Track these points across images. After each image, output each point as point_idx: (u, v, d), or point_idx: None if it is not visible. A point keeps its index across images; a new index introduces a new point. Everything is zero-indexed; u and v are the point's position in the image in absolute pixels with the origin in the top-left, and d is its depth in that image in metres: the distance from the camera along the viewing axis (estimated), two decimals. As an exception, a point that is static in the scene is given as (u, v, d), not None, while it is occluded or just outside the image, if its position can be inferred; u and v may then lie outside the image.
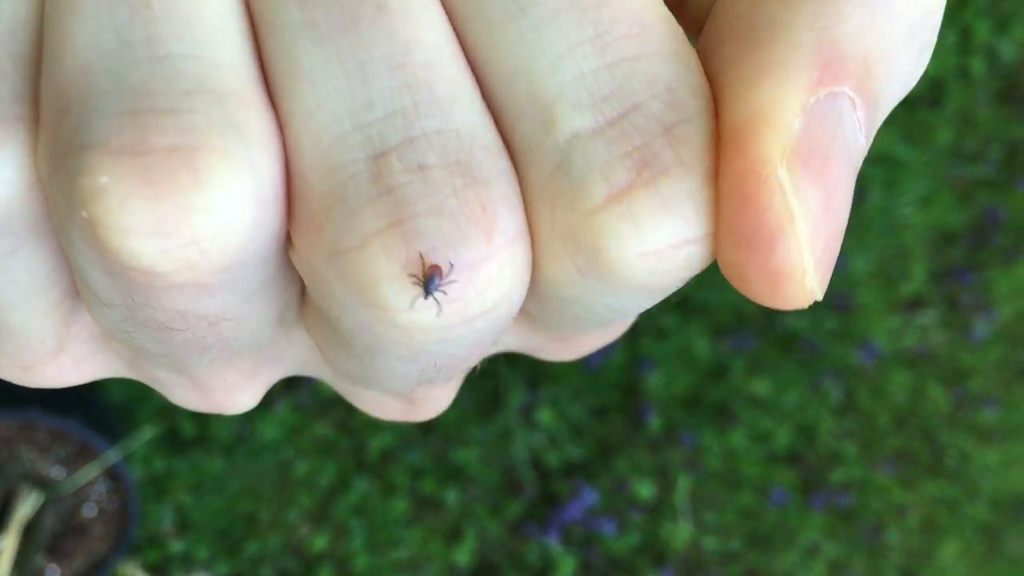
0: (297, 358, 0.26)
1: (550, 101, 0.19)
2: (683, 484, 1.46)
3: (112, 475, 1.16)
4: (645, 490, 1.45)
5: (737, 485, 1.48)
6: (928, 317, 1.49)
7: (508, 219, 0.19)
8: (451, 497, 1.40)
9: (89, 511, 1.17)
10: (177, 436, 1.34)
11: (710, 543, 1.47)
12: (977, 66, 1.45)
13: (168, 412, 1.34)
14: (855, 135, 0.19)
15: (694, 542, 1.47)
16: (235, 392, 0.26)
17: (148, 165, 0.17)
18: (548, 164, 0.19)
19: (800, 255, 0.18)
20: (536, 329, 0.25)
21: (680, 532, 1.46)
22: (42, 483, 1.14)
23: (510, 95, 0.20)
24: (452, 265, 0.19)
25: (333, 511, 1.39)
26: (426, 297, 0.19)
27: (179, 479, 1.35)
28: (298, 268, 0.20)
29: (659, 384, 1.44)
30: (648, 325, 1.43)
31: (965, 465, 1.52)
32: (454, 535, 1.41)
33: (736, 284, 0.19)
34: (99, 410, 1.24)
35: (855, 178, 0.20)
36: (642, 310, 0.22)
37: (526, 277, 0.20)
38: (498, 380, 1.39)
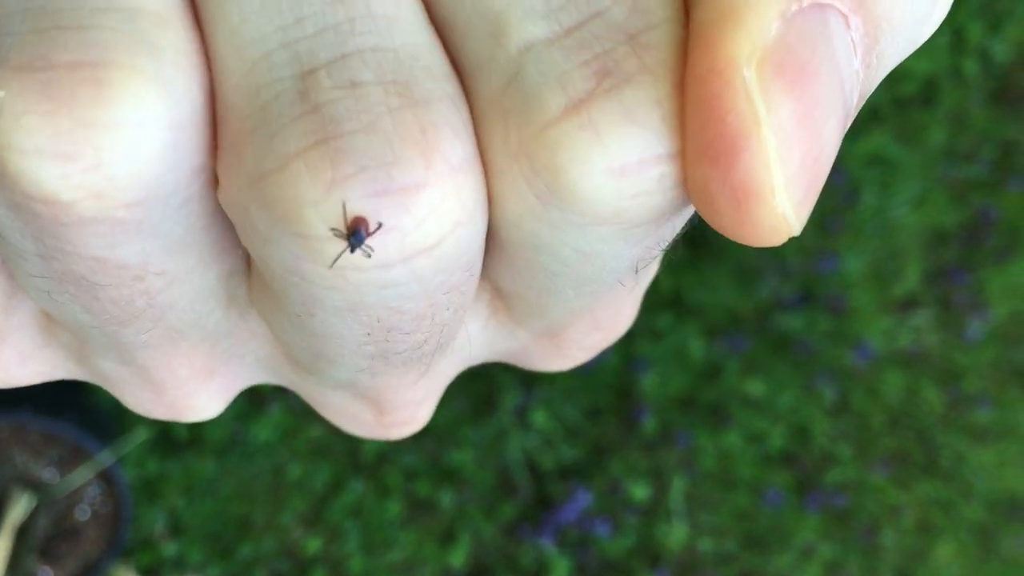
0: (259, 355, 0.24)
1: (500, 10, 0.18)
2: (678, 485, 1.46)
3: (105, 478, 1.16)
4: (640, 491, 1.44)
5: (732, 486, 1.48)
6: (922, 317, 1.49)
7: (452, 144, 0.17)
8: (445, 499, 1.40)
9: (82, 514, 1.16)
10: (170, 438, 1.34)
11: (705, 544, 1.47)
12: (970, 66, 1.46)
13: (161, 415, 1.33)
14: (847, 57, 0.17)
15: (689, 543, 1.47)
16: (191, 392, 0.24)
17: (47, 80, 0.16)
18: (500, 78, 0.18)
19: (767, 168, 0.16)
20: (515, 319, 0.23)
21: (675, 533, 1.46)
22: (35, 485, 1.14)
23: (457, 8, 0.18)
24: (380, 224, 0.17)
25: (327, 513, 1.39)
26: (352, 251, 0.18)
27: (172, 482, 1.34)
28: (226, 211, 0.18)
29: (653, 385, 1.44)
30: (642, 326, 1.43)
31: (960, 466, 1.52)
32: (448, 537, 1.40)
33: (703, 210, 0.17)
34: (92, 412, 1.23)
35: (847, 110, 0.18)
36: (620, 263, 0.20)
37: (479, 215, 0.18)
38: (492, 381, 1.39)
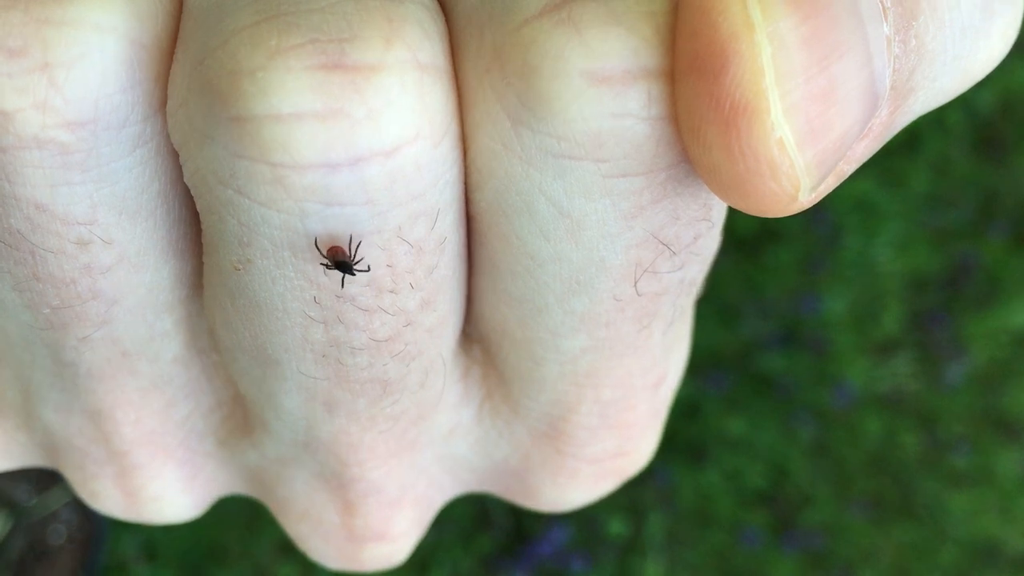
0: (220, 435, 0.22)
1: None
2: (655, 522, 1.46)
3: (81, 500, 1.15)
4: (617, 527, 1.44)
5: (710, 524, 1.48)
6: (902, 361, 1.50)
7: (420, 40, 0.15)
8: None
9: (57, 536, 1.15)
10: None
11: (681, 582, 1.47)
12: (953, 115, 1.48)
13: (140, 438, 1.33)
14: (873, 12, 0.15)
15: (665, 581, 1.46)
16: (149, 469, 0.22)
17: None
18: None
19: (759, 76, 0.14)
20: (511, 401, 0.21)
21: (652, 570, 1.45)
22: (10, 506, 1.13)
23: None
24: (352, 239, 0.16)
25: (303, 542, 1.38)
26: (343, 273, 0.16)
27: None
28: (170, 131, 0.17)
29: (634, 421, 1.44)
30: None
31: (936, 510, 1.52)
32: (425, 568, 1.40)
33: (692, 147, 0.15)
34: (70, 434, 1.23)
35: (874, 75, 0.15)
36: (610, 251, 0.17)
37: (447, 142, 0.16)
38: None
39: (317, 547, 0.24)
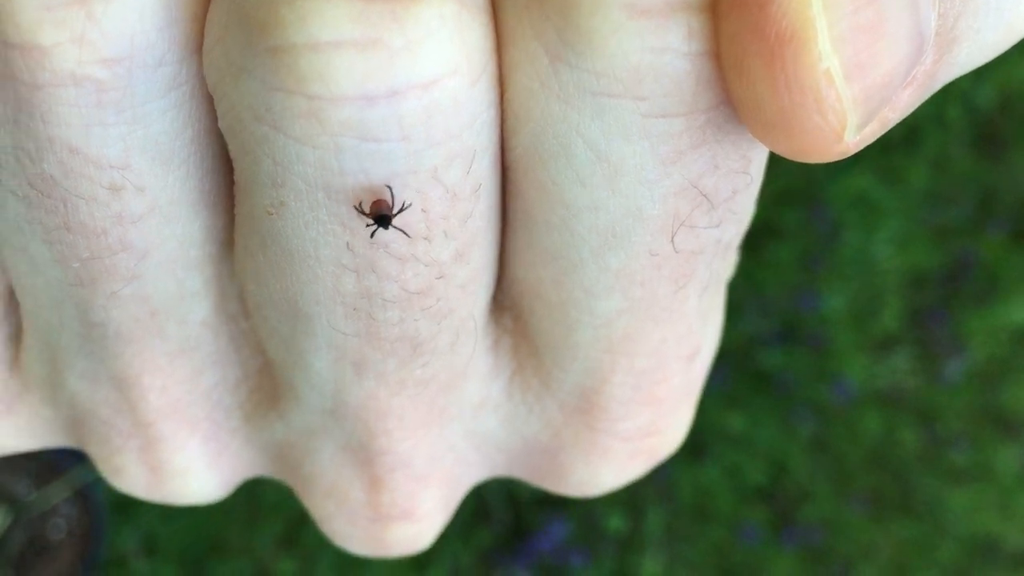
0: (246, 409, 0.22)
1: None
2: (654, 517, 1.46)
3: (81, 494, 1.15)
4: (616, 523, 1.44)
5: (709, 520, 1.48)
6: (901, 357, 1.50)
7: None
8: (422, 525, 1.39)
9: (56, 530, 1.15)
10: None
11: (680, 578, 1.47)
12: (953, 113, 1.48)
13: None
14: None
15: (664, 576, 1.47)
16: (173, 441, 0.22)
17: None
18: None
19: (808, 9, 0.14)
20: (542, 374, 0.20)
21: (651, 566, 1.45)
22: (10, 501, 1.13)
23: None
24: (393, 192, 0.16)
25: (302, 536, 1.38)
26: (387, 228, 0.16)
27: (148, 502, 1.34)
28: (207, 76, 0.16)
29: (633, 417, 1.44)
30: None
31: (935, 506, 1.52)
32: (424, 563, 1.40)
33: (735, 83, 0.15)
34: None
35: (914, 4, 0.15)
36: (648, 200, 0.17)
37: (484, 80, 0.16)
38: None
39: (342, 529, 0.23)
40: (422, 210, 0.17)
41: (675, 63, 0.15)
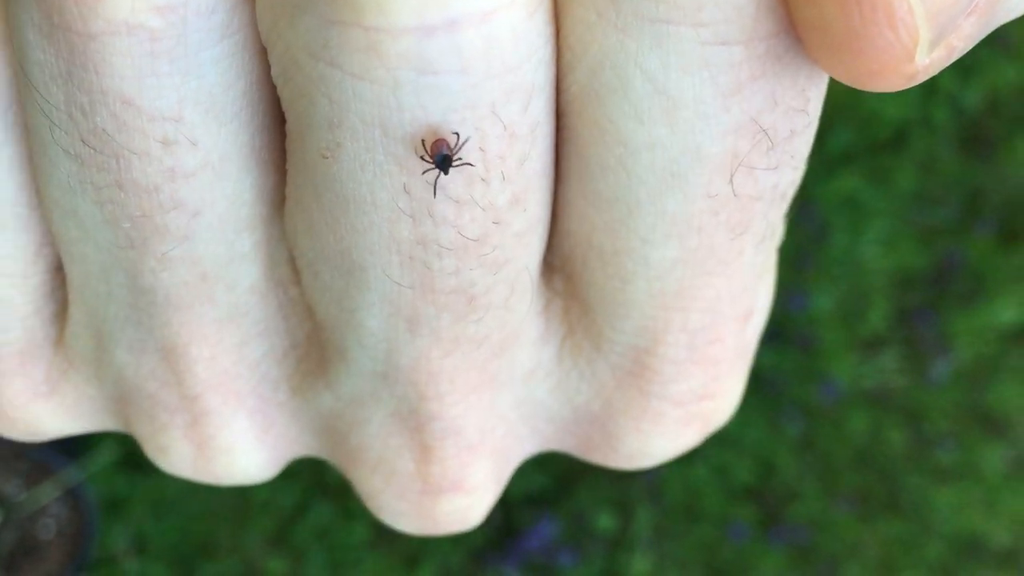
0: (293, 383, 0.22)
1: None
2: (643, 516, 1.46)
3: (71, 494, 1.15)
4: (605, 521, 1.45)
5: (698, 518, 1.49)
6: (888, 357, 1.51)
7: None
8: (412, 524, 1.40)
9: (46, 530, 1.15)
10: (138, 456, 1.33)
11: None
12: (940, 114, 1.48)
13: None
14: None
15: (654, 574, 1.47)
16: (222, 416, 0.22)
17: None
18: None
19: None
20: (593, 334, 0.20)
21: (639, 565, 1.46)
22: (0, 501, 1.13)
23: None
24: (459, 135, 0.16)
25: (292, 535, 1.38)
26: (446, 172, 0.16)
27: (138, 500, 1.34)
28: (260, 23, 0.16)
29: (622, 416, 1.44)
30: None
31: (922, 505, 1.53)
32: (414, 562, 1.40)
33: (798, 5, 0.14)
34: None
35: None
36: (706, 137, 0.16)
37: (540, 14, 0.16)
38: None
39: (390, 504, 0.23)
40: (480, 148, 0.16)
41: None
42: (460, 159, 0.16)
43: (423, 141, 0.16)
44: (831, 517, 1.52)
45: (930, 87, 1.48)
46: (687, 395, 0.21)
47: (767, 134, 0.17)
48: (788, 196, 0.19)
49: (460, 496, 0.22)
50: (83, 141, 0.17)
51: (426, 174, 0.17)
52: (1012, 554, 1.51)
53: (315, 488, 1.39)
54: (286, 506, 1.38)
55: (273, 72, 0.17)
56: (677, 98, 0.16)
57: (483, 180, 0.17)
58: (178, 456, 0.23)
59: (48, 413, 0.23)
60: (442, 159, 0.16)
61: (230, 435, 0.22)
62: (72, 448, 1.20)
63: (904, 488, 1.53)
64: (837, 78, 0.15)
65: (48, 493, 1.13)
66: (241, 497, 1.36)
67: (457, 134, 0.16)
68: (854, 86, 0.15)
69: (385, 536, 1.40)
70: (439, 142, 0.16)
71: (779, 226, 0.20)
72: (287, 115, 0.18)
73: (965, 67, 1.48)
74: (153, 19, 0.16)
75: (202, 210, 0.18)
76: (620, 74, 0.16)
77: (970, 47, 0.16)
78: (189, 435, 0.22)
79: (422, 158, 0.16)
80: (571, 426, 0.22)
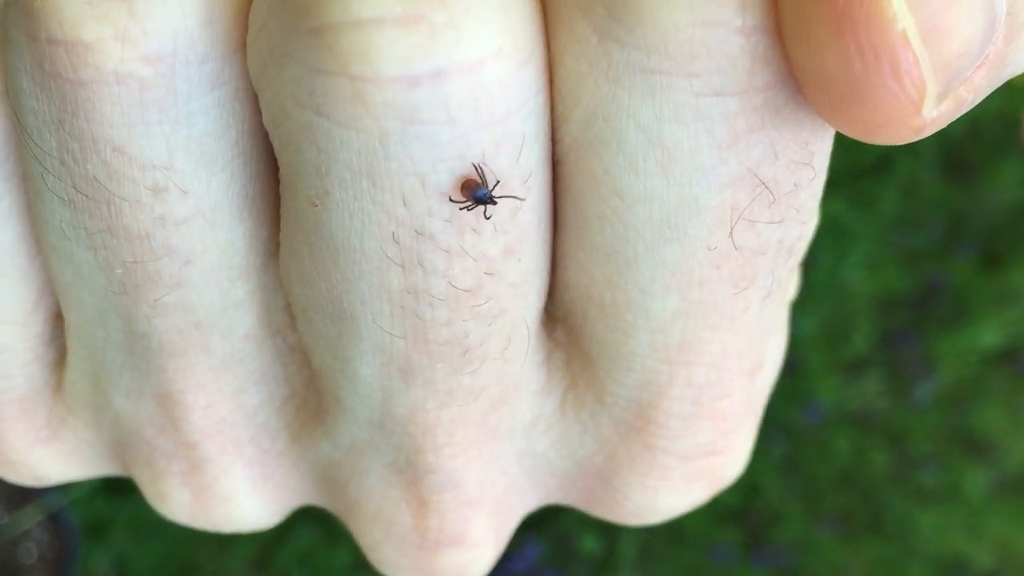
0: (293, 430, 0.21)
1: None
2: (628, 538, 1.46)
3: (53, 518, 1.14)
4: (590, 544, 1.45)
5: (682, 541, 1.49)
6: (871, 379, 1.52)
7: None
8: (396, 547, 1.39)
9: (28, 555, 1.14)
10: (121, 480, 1.32)
11: (654, 599, 1.47)
12: (923, 140, 1.49)
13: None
14: None
15: (638, 598, 1.47)
16: (223, 467, 0.21)
17: None
18: None
19: None
20: (596, 387, 0.19)
21: (624, 587, 1.45)
22: (-20, 525, 1.12)
23: None
24: (482, 170, 0.15)
25: (275, 559, 1.37)
26: (484, 207, 0.16)
27: (120, 523, 1.32)
28: (249, 65, 0.16)
29: (607, 439, 1.44)
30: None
31: (905, 526, 1.53)
32: (398, 586, 1.39)
33: (798, 47, 0.14)
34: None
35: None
36: (704, 189, 0.16)
37: (532, 63, 0.15)
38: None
39: (389, 557, 0.22)
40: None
41: (729, 39, 0.14)
42: (494, 197, 0.16)
43: (451, 187, 0.16)
44: (815, 539, 1.52)
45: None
46: (694, 450, 0.21)
47: (767, 187, 0.17)
48: (796, 251, 0.19)
49: (460, 551, 0.22)
50: (75, 187, 0.17)
51: (414, 219, 0.16)
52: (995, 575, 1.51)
53: (298, 511, 1.38)
54: (268, 531, 1.37)
55: (264, 119, 0.17)
56: (672, 150, 0.16)
57: (474, 230, 0.17)
58: (177, 503, 0.22)
59: (50, 458, 0.23)
60: (483, 195, 0.16)
61: (228, 484, 0.22)
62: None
63: (887, 510, 1.53)
64: (841, 131, 0.15)
65: (30, 517, 1.12)
66: (224, 520, 1.35)
67: (477, 167, 0.16)
68: (859, 139, 0.15)
69: (368, 561, 1.39)
70: (469, 182, 0.16)
71: (788, 282, 0.20)
72: (279, 162, 0.18)
73: (947, 92, 1.49)
74: (142, 69, 0.16)
75: (194, 258, 0.18)
76: (613, 125, 0.16)
77: (980, 99, 0.15)
78: (187, 482, 0.22)
79: (452, 199, 0.16)
80: (575, 480, 0.22)
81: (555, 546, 1.44)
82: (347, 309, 0.18)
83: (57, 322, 0.22)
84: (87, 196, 0.17)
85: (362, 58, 0.15)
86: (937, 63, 0.13)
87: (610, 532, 1.46)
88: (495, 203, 0.16)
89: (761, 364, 0.21)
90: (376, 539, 0.22)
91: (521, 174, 0.16)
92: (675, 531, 1.48)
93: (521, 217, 0.17)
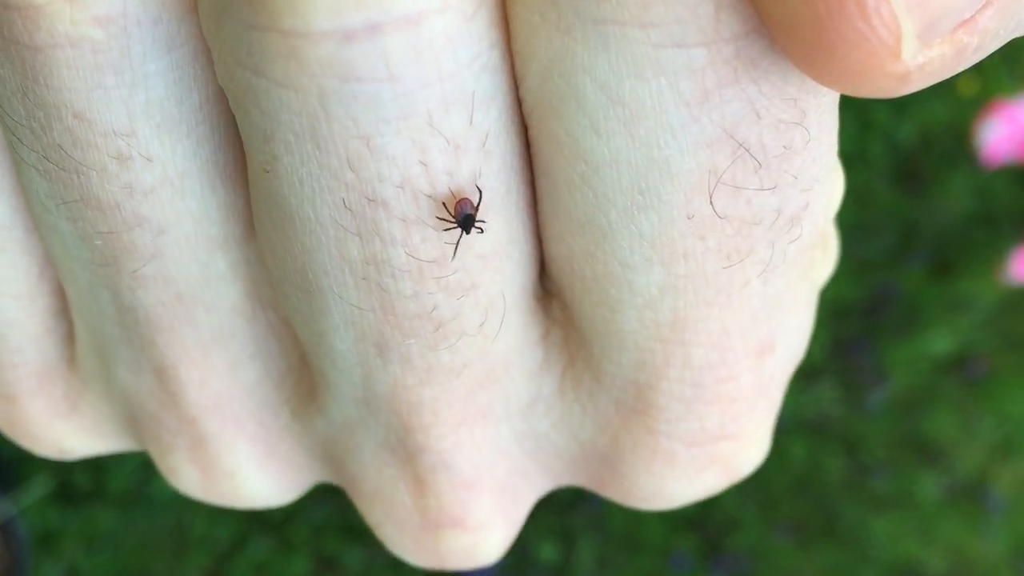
0: (292, 406, 0.21)
1: None
2: (585, 547, 1.46)
3: (2, 529, 1.12)
4: (548, 552, 1.44)
5: (639, 548, 1.49)
6: (826, 387, 1.53)
7: None
8: (353, 557, 1.38)
9: (-25, 566, 1.12)
10: (72, 489, 1.30)
11: (611, 607, 1.47)
12: (876, 149, 1.52)
13: (63, 464, 1.30)
14: None
15: (595, 605, 1.47)
16: (230, 449, 0.21)
17: None
18: None
19: None
20: (592, 366, 0.19)
21: (582, 595, 1.45)
22: (-74, 536, 1.10)
23: None
24: (481, 191, 0.15)
25: (231, 570, 1.36)
26: (468, 231, 0.15)
27: (72, 533, 1.30)
28: (203, 24, 0.16)
29: (565, 446, 1.44)
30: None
31: (859, 532, 1.55)
32: (355, 595, 1.38)
33: (765, 13, 0.13)
34: (-9, 461, 1.20)
35: None
36: (674, 150, 0.15)
37: (483, 11, 0.14)
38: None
39: (393, 536, 0.21)
40: (420, 163, 0.15)
41: None
42: (483, 221, 0.15)
43: (444, 204, 0.15)
44: (770, 546, 1.53)
45: (866, 122, 1.51)
46: (700, 435, 0.19)
47: (750, 152, 0.15)
48: (804, 221, 0.17)
49: (463, 533, 0.21)
50: (46, 157, 0.17)
51: (364, 183, 0.16)
52: (947, 581, 1.53)
53: (253, 521, 1.37)
54: (223, 540, 1.36)
55: (218, 79, 0.16)
56: (635, 108, 0.15)
57: (429, 196, 0.16)
58: (185, 478, 0.22)
59: (71, 432, 0.23)
60: (465, 219, 0.15)
61: (232, 459, 0.22)
62: (4, 481, 1.17)
63: (841, 516, 1.54)
64: (819, 82, 0.14)
65: (-22, 528, 1.10)
66: (178, 530, 1.33)
67: (480, 190, 0.15)
68: (841, 91, 0.14)
69: (325, 569, 1.38)
70: (463, 201, 0.15)
71: (802, 257, 0.18)
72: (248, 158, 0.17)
73: (899, 104, 1.51)
74: (94, 31, 0.15)
75: (167, 228, 0.18)
76: (570, 82, 0.15)
77: (991, 46, 0.13)
78: (192, 458, 0.22)
79: (441, 218, 0.15)
80: (581, 463, 0.21)
81: (514, 554, 1.44)
82: (312, 281, 0.17)
83: (64, 295, 0.21)
84: (57, 166, 0.17)
85: (292, 10, 0.14)
86: (912, 0, 0.12)
87: (568, 540, 1.46)
88: (481, 229, 0.15)
89: (772, 345, 0.19)
90: (378, 518, 0.22)
91: (478, 135, 0.15)
92: (632, 539, 1.48)
93: (483, 183, 0.16)
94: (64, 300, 0.22)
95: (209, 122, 0.17)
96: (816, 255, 0.19)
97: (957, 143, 1.51)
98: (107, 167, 0.17)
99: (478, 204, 0.15)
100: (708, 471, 0.20)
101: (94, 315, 0.20)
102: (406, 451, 0.20)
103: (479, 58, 0.15)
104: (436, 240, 0.16)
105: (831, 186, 0.18)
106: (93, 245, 0.18)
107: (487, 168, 0.16)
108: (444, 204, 0.15)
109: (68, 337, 0.22)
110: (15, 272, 0.20)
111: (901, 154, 1.54)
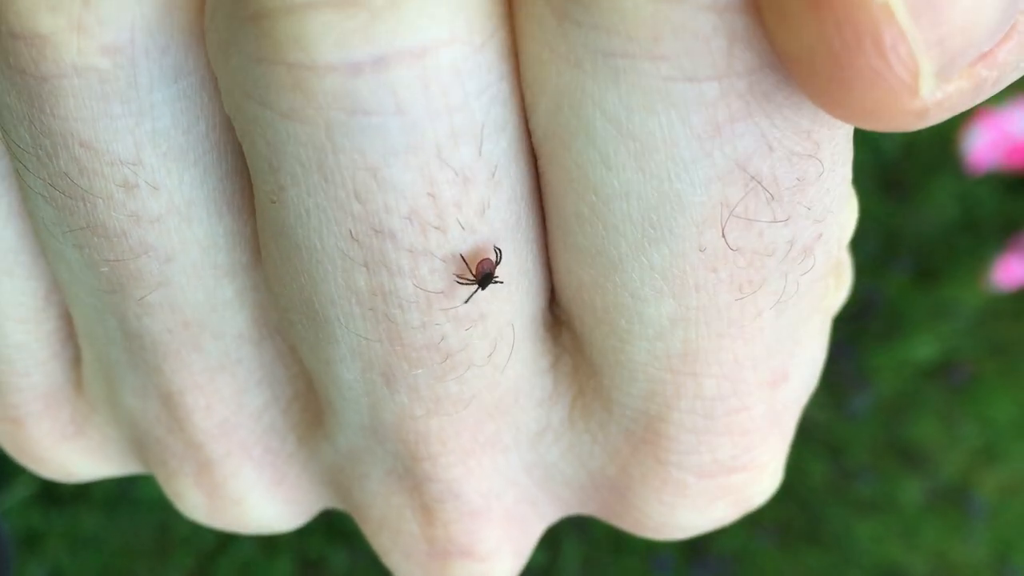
0: (299, 431, 0.21)
1: None
2: (571, 549, 1.46)
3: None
4: (534, 555, 1.44)
5: (624, 551, 1.49)
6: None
7: None
8: (337, 559, 1.38)
9: (-42, 568, 1.12)
10: (56, 491, 1.30)
11: (595, 610, 1.48)
12: (860, 157, 1.52)
13: (48, 465, 1.29)
14: None
15: (579, 608, 1.47)
16: (237, 475, 0.21)
17: None
18: None
19: None
20: (602, 395, 0.18)
21: (566, 598, 1.46)
22: (-91, 537, 1.09)
23: None
24: (500, 251, 0.15)
25: (214, 571, 1.36)
26: (484, 287, 0.15)
27: (56, 535, 1.30)
28: (210, 54, 0.16)
29: (550, 450, 1.44)
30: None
31: (842, 536, 1.55)
32: (339, 598, 1.38)
33: (774, 21, 0.12)
34: (-26, 462, 1.20)
35: None
36: (685, 183, 0.14)
37: (490, 48, 0.14)
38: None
39: (400, 564, 0.21)
40: (429, 195, 0.15)
41: (696, 16, 0.13)
42: (498, 277, 0.15)
43: (462, 257, 0.15)
44: (754, 548, 1.53)
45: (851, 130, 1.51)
46: (712, 467, 0.19)
47: (763, 185, 0.15)
48: (816, 253, 0.17)
49: (471, 563, 0.21)
50: (52, 185, 0.17)
51: (371, 215, 0.16)
52: (928, 585, 1.53)
53: (239, 522, 1.37)
54: (207, 542, 1.36)
55: (225, 110, 0.16)
56: (646, 141, 0.14)
57: (438, 228, 0.16)
58: (191, 503, 0.22)
59: (77, 455, 0.23)
60: (485, 277, 0.15)
61: (238, 485, 0.21)
62: (-13, 482, 1.17)
63: (825, 520, 1.55)
64: (836, 118, 0.13)
65: (-40, 530, 1.10)
66: (161, 532, 1.33)
67: (499, 250, 0.15)
68: (857, 126, 0.13)
69: (309, 572, 1.38)
70: (485, 262, 0.15)
71: (815, 288, 0.18)
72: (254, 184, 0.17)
73: (884, 110, 1.52)
74: (101, 60, 0.15)
75: (174, 256, 0.18)
76: (580, 115, 0.15)
77: (1010, 78, 0.13)
78: (199, 483, 0.22)
79: (461, 276, 0.15)
80: (590, 492, 0.21)
81: (497, 557, 1.44)
82: (319, 311, 0.17)
83: (71, 319, 0.21)
84: (63, 193, 0.17)
85: (297, 44, 0.14)
86: (930, 38, 0.12)
87: (553, 543, 1.46)
88: (484, 288, 0.15)
89: (785, 375, 0.19)
90: (385, 545, 0.22)
91: (487, 167, 0.15)
92: (617, 542, 1.49)
93: (492, 215, 0.16)
94: (71, 324, 0.22)
95: (216, 150, 0.17)
96: (829, 283, 0.19)
97: (941, 150, 1.51)
98: (113, 195, 0.17)
99: (497, 262, 0.15)
100: (719, 502, 0.20)
101: (101, 340, 0.20)
102: (413, 480, 0.20)
103: (488, 89, 0.15)
104: (444, 271, 0.16)
105: (845, 215, 0.18)
106: (100, 272, 0.18)
107: (496, 199, 0.16)
108: (465, 262, 0.15)
109: (75, 361, 0.22)
110: (22, 296, 0.20)
111: (885, 161, 1.54)
